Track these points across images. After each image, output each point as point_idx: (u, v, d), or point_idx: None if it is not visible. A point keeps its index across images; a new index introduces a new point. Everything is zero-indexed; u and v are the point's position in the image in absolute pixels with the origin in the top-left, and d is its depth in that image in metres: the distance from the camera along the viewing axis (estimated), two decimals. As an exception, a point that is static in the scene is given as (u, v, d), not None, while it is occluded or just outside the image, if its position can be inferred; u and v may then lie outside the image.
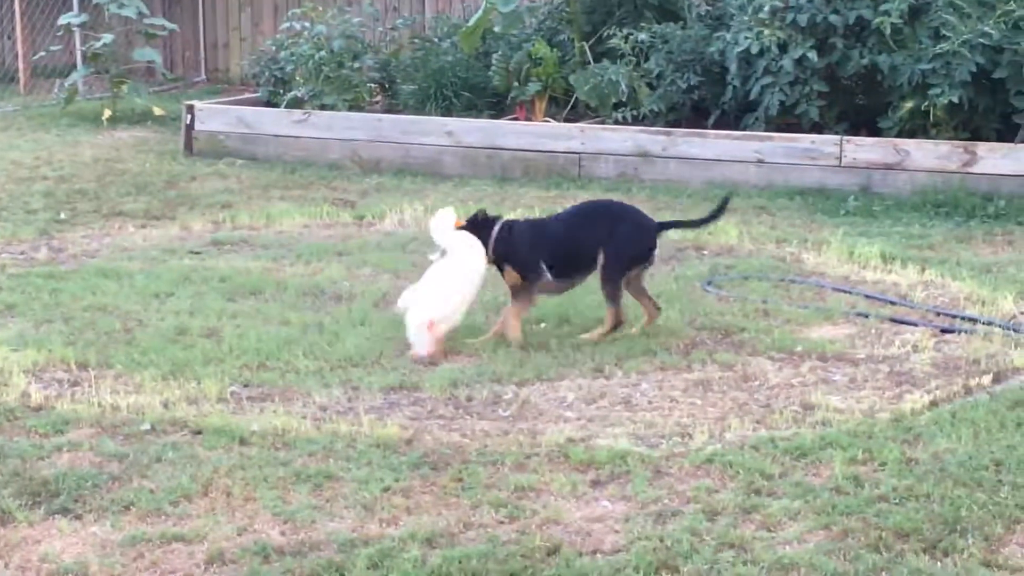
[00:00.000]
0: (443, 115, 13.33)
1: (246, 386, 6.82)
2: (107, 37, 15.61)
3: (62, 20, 16.28)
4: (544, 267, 7.60)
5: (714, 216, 7.98)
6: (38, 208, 10.90)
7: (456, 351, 7.34)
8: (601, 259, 7.53)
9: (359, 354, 7.24)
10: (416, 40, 15.19)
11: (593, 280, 7.66)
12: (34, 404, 6.56)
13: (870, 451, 5.89)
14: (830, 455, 5.86)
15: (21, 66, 17.91)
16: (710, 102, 12.82)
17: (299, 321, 7.83)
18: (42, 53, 16.88)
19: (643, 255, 7.63)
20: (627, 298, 7.64)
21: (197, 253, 9.57)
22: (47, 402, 6.59)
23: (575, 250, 7.62)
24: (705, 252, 9.57)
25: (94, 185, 11.78)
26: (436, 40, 14.70)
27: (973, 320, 7.84)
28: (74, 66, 16.99)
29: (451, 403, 6.62)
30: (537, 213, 10.62)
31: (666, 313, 7.87)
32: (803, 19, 11.96)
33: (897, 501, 5.41)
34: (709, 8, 13.19)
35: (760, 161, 11.68)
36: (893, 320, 7.91)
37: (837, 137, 11.60)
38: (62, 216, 10.65)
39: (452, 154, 12.57)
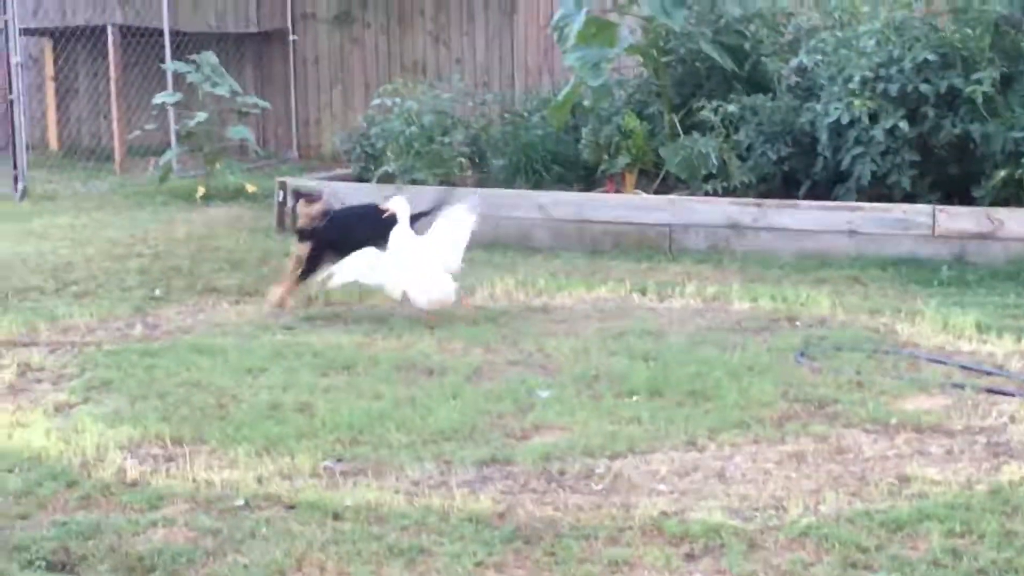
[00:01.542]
0: (533, 189, 13.38)
1: (339, 461, 6.84)
2: (201, 115, 15.81)
3: (157, 99, 16.52)
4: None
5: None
6: (133, 285, 11.02)
7: (550, 423, 7.33)
8: None
9: (451, 428, 7.24)
10: (506, 115, 15.27)
11: (684, 354, 7.63)
12: (129, 480, 6.61)
13: (968, 524, 5.82)
14: (927, 528, 5.79)
15: (117, 145, 18.18)
16: (801, 173, 12.79)
17: (391, 395, 7.85)
18: (137, 132, 17.10)
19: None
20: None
21: (290, 329, 9.63)
22: (142, 477, 6.63)
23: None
24: (798, 323, 9.52)
25: (188, 262, 11.90)
26: (526, 114, 14.77)
27: (1071, 390, 7.75)
28: (168, 144, 17.24)
29: (543, 477, 6.60)
30: (628, 286, 10.63)
31: (759, 385, 7.83)
32: (894, 89, 11.93)
33: (997, 575, 5.33)
34: (799, 79, 13.17)
35: (852, 231, 11.63)
36: (989, 391, 7.82)
37: (930, 207, 11.53)
38: (157, 293, 10.77)
39: (542, 227, 12.61)
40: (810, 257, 11.50)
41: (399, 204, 9.83)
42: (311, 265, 10.13)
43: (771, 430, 7.18)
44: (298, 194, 10.58)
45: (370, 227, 9.93)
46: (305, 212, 10.28)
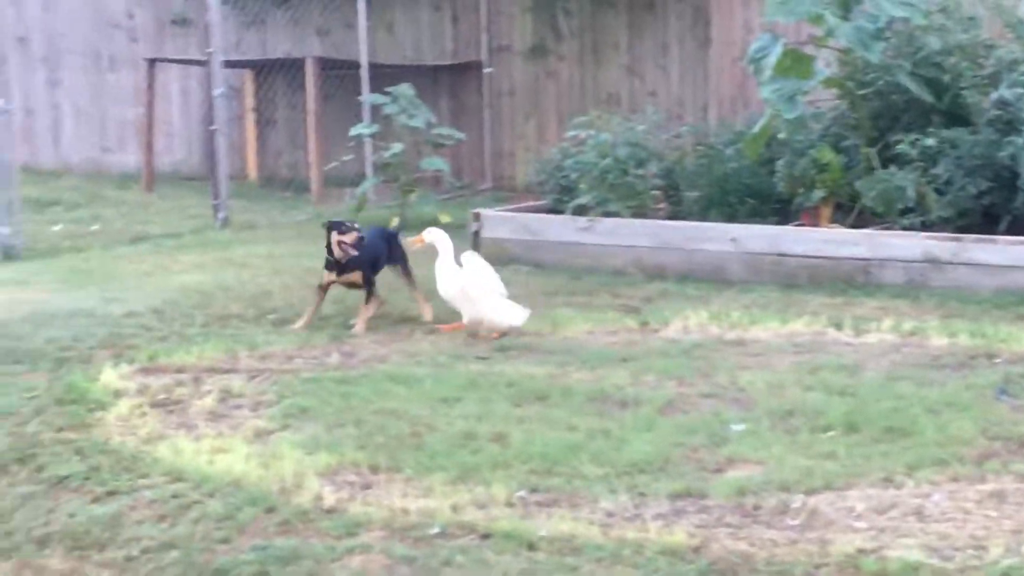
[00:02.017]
0: (727, 221, 13.33)
1: (534, 491, 6.87)
2: (397, 147, 15.99)
3: (353, 131, 16.71)
4: None
5: None
6: (330, 314, 11.17)
7: (744, 457, 7.30)
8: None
9: (645, 460, 7.24)
10: (700, 147, 15.24)
11: (881, 390, 7.56)
12: (327, 506, 6.71)
13: None
14: None
15: (314, 176, 18.46)
16: (1001, 208, 12.58)
17: (585, 427, 7.87)
18: (334, 163, 17.34)
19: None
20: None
21: (484, 359, 9.70)
22: (339, 504, 6.73)
23: None
24: (997, 360, 9.35)
25: (383, 291, 12.03)
26: (720, 147, 14.73)
27: None
28: (364, 175, 17.45)
29: (738, 511, 6.57)
30: (823, 321, 10.54)
31: (957, 422, 7.71)
32: (1099, 123, 11.70)
33: None
34: (999, 112, 12.96)
35: (1054, 268, 11.42)
36: None
37: None
38: (352, 323, 10.91)
39: (736, 260, 12.55)
40: (1010, 293, 11.29)
41: (438, 236, 10.54)
42: (372, 285, 11.01)
43: (970, 468, 7.06)
44: (331, 225, 11.05)
45: (393, 248, 11.35)
46: (339, 240, 10.88)
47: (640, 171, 13.94)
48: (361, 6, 18.55)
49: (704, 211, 13.78)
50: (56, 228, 16.47)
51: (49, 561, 6.18)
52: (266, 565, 5.96)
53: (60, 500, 6.93)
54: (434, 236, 10.64)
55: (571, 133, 14.83)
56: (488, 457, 7.32)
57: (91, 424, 8.18)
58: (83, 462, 7.44)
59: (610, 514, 6.54)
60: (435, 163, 16.40)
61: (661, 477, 7.03)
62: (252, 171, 20.56)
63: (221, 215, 16.63)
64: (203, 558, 6.11)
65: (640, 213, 13.59)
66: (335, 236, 10.92)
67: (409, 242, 11.02)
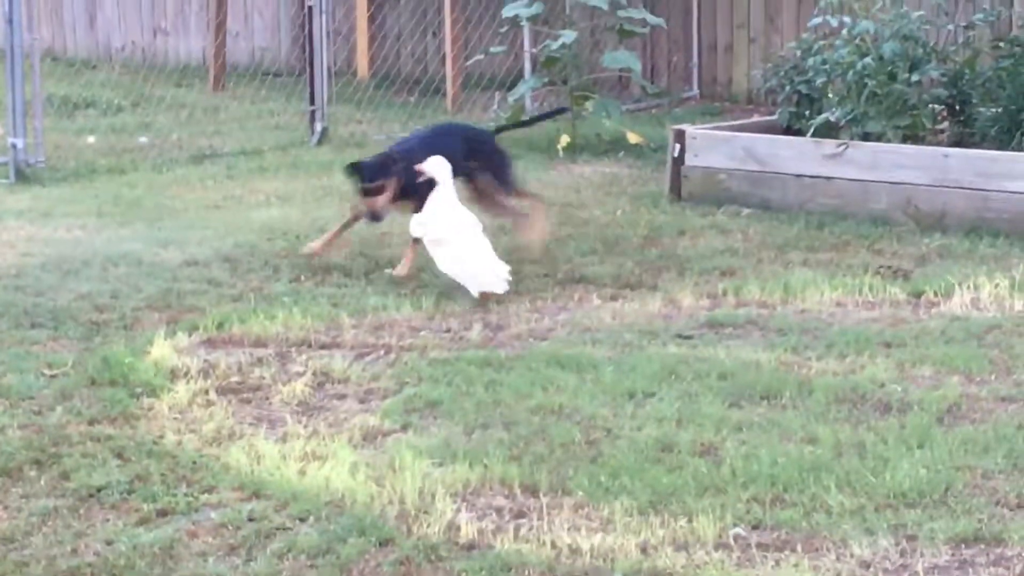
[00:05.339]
0: (1038, 150, 13.17)
1: (755, 527, 6.86)
2: (567, 36, 15.96)
3: (507, 11, 16.60)
4: None
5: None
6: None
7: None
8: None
9: (916, 489, 7.18)
10: (1001, 44, 15.04)
11: None
12: (464, 540, 6.74)
13: None
14: None
15: (449, 73, 18.51)
16: None
17: (830, 438, 7.83)
18: (478, 57, 17.34)
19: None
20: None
21: (687, 338, 9.69)
22: (482, 538, 6.76)
23: None
24: None
25: (545, 239, 12.06)
26: (1030, 44, 14.54)
27: None
28: (521, 74, 17.46)
29: (1050, 565, 6.53)
30: None
31: None
32: None
33: None
34: None
35: None
36: None
37: None
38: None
39: (1052, 206, 12.41)
40: None
41: (438, 166, 10.89)
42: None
43: None
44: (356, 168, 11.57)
45: (477, 154, 11.80)
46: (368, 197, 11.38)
47: (913, 77, 13.79)
48: None
49: (1005, 136, 13.60)
50: (90, 140, 16.73)
51: (77, 604, 6.29)
52: (378, 620, 6.02)
53: (93, 520, 7.03)
54: (434, 167, 10.92)
55: (816, 20, 14.71)
56: (692, 477, 7.31)
57: (136, 415, 8.29)
58: (124, 468, 7.54)
59: (866, 563, 6.51)
60: (621, 59, 16.37)
61: (939, 513, 6.97)
62: (362, 65, 20.67)
63: (318, 126, 16.75)
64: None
65: (913, 136, 13.46)
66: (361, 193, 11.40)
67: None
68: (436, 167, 10.87)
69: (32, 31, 15.31)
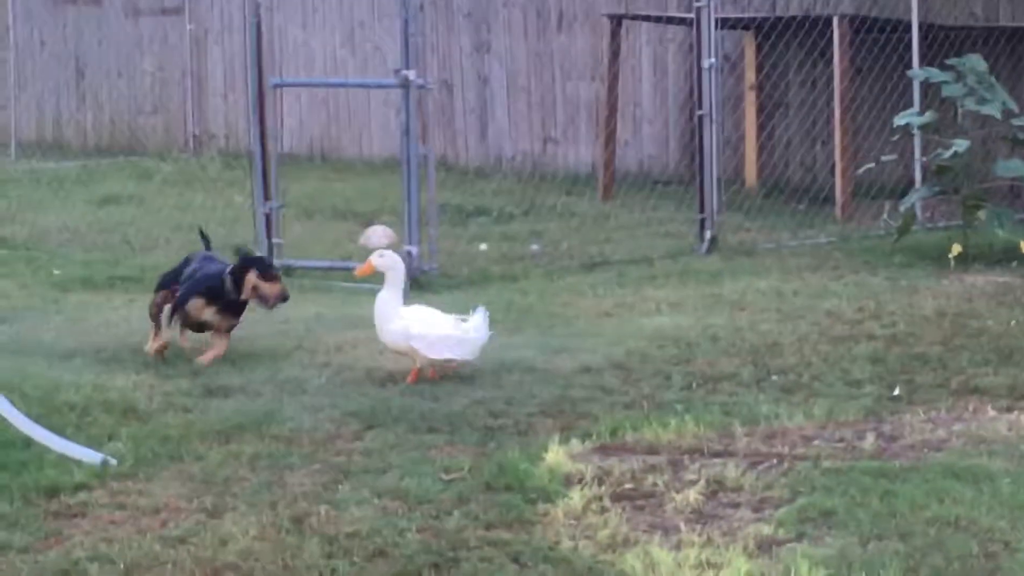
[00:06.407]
0: None
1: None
2: (960, 144, 15.80)
3: (899, 120, 16.52)
4: None
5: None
6: (863, 379, 11.14)
7: None
8: None
9: None
10: None
11: None
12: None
13: None
14: None
15: (839, 182, 18.46)
16: None
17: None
18: (869, 165, 17.28)
19: None
20: None
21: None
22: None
23: None
24: None
25: (939, 349, 11.96)
26: None
27: None
28: (911, 183, 17.35)
29: None
30: None
31: None
32: None
33: None
34: None
35: None
36: None
37: None
38: (896, 392, 10.86)
39: None
40: None
41: (391, 263, 11.24)
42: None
43: None
44: (248, 262, 11.89)
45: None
46: (256, 284, 11.69)
47: None
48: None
49: None
50: (482, 247, 16.95)
51: None
52: None
53: (496, 625, 7.12)
54: (386, 262, 11.11)
55: None
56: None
57: (532, 521, 8.35)
58: (522, 574, 7.60)
59: None
60: (1014, 167, 16.18)
61: None
62: (751, 174, 20.72)
63: (708, 234, 16.80)
64: None
65: None
66: (252, 276, 11.67)
67: (356, 271, 11.80)
68: (391, 264, 11.20)
69: (426, 142, 15.58)
